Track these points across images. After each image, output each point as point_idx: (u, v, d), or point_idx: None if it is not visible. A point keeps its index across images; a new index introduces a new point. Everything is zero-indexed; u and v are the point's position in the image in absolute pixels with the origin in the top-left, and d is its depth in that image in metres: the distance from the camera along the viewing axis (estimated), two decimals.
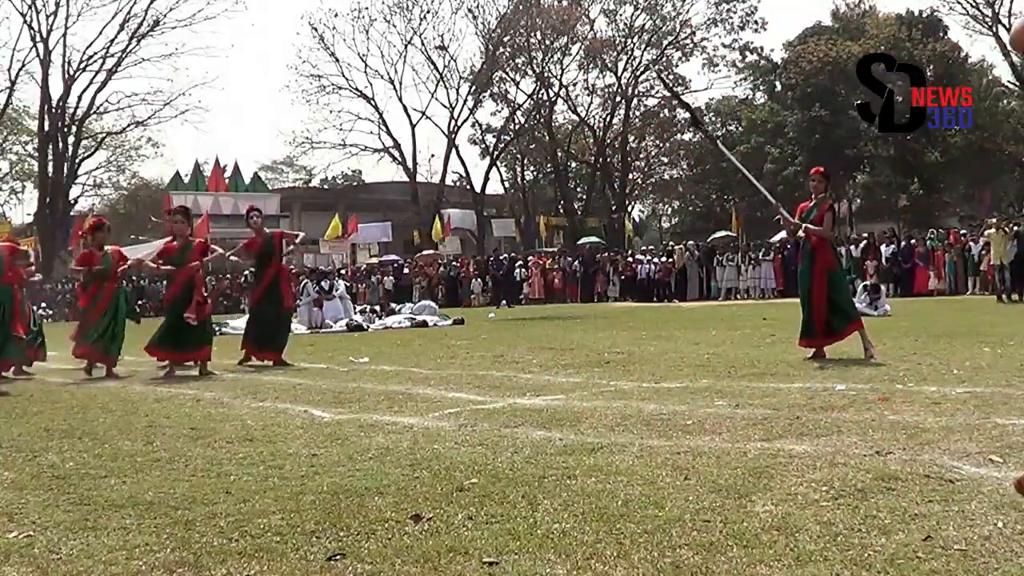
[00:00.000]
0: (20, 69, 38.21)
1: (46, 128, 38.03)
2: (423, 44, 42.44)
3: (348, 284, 23.11)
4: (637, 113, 43.71)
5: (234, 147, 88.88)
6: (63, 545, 3.05)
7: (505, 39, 41.02)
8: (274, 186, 45.81)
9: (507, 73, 42.14)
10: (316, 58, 53.70)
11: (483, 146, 45.29)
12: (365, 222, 35.48)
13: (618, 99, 42.27)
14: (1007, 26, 34.60)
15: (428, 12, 44.71)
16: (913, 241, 24.32)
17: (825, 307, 7.86)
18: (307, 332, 17.22)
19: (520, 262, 31.67)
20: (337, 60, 42.23)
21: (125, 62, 38.58)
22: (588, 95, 43.33)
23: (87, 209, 39.72)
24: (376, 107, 42.81)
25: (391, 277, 31.25)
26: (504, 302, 27.50)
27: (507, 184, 47.37)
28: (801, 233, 8.07)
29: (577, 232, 40.27)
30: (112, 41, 38.28)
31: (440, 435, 4.87)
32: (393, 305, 21.40)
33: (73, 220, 36.82)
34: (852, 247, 24.09)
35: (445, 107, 43.42)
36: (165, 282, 10.98)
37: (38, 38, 37.49)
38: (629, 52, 42.03)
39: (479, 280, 31.28)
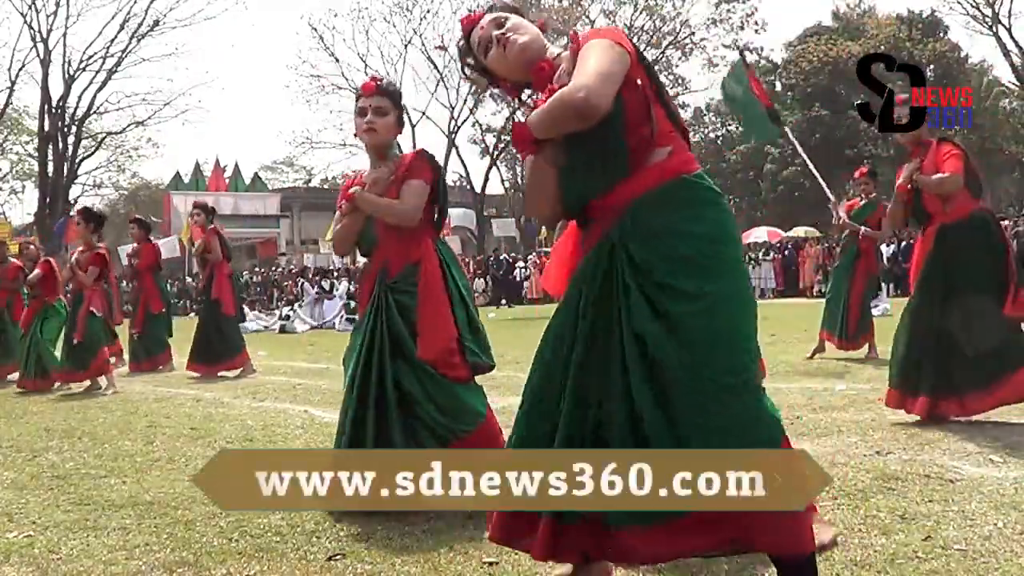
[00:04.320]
0: (20, 69, 38.18)
1: (46, 128, 37.98)
2: (423, 44, 42.40)
3: (349, 287, 23.01)
4: None
5: (234, 147, 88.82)
6: (63, 545, 3.05)
7: None
8: (274, 186, 45.75)
9: None
10: (316, 58, 53.75)
11: (483, 146, 45.27)
12: None
13: None
14: (1007, 26, 34.62)
15: (428, 12, 44.79)
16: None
17: (860, 308, 7.89)
18: (307, 330, 17.25)
19: (520, 262, 31.68)
20: (337, 60, 42.23)
21: (125, 62, 38.54)
22: None
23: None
24: None
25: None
26: (504, 302, 27.48)
27: (507, 184, 47.33)
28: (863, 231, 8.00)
29: None
30: (112, 41, 38.21)
31: None
32: None
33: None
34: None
35: (445, 107, 43.42)
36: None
37: (38, 38, 37.42)
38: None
39: (479, 280, 31.27)
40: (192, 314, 25.13)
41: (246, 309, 16.03)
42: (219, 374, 8.64)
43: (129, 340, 9.73)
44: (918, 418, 4.71)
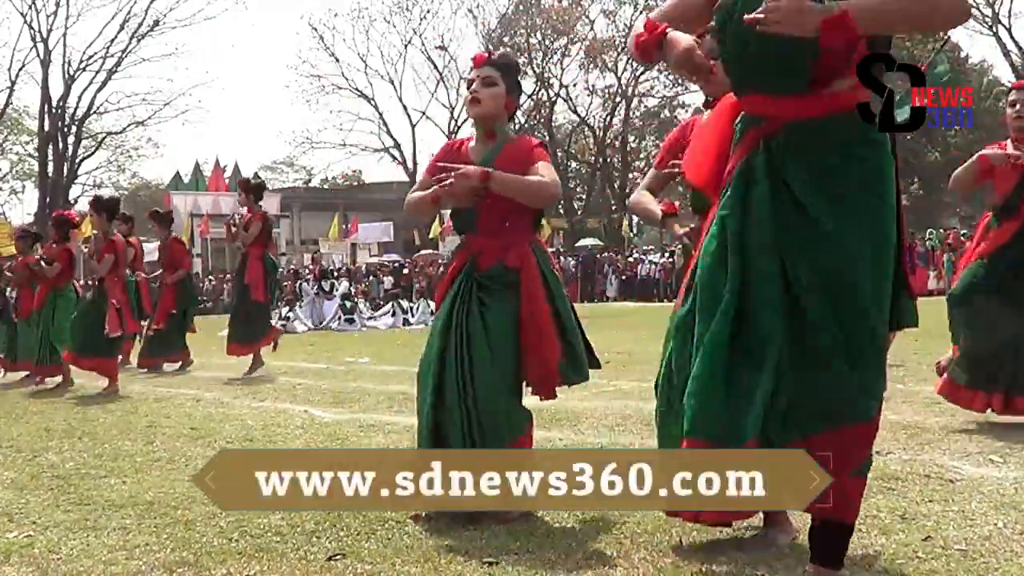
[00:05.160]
0: (20, 69, 38.24)
1: (46, 128, 38.02)
2: (423, 44, 42.52)
3: (348, 286, 22.96)
4: (637, 113, 43.69)
5: (234, 147, 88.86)
6: (63, 545, 3.05)
7: (505, 39, 41.04)
8: (274, 186, 45.74)
9: None
10: (316, 58, 53.87)
11: None
12: (365, 222, 35.49)
13: (618, 99, 42.25)
14: (1007, 26, 34.64)
15: (428, 12, 44.87)
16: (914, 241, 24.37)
17: None
18: (307, 331, 17.27)
19: None
20: (337, 60, 42.33)
21: (125, 62, 38.61)
22: (588, 95, 43.38)
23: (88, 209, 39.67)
24: (376, 107, 42.89)
25: (391, 277, 31.24)
26: None
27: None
28: None
29: (577, 232, 40.25)
30: (112, 41, 38.32)
31: None
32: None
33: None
34: None
35: (445, 107, 43.53)
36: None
37: (38, 38, 37.50)
38: (629, 52, 42.04)
39: None
40: None
41: None
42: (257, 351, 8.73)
43: (144, 336, 9.66)
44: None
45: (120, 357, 8.52)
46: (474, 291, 3.27)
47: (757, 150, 2.16)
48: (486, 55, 3.40)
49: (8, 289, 10.06)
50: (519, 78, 3.46)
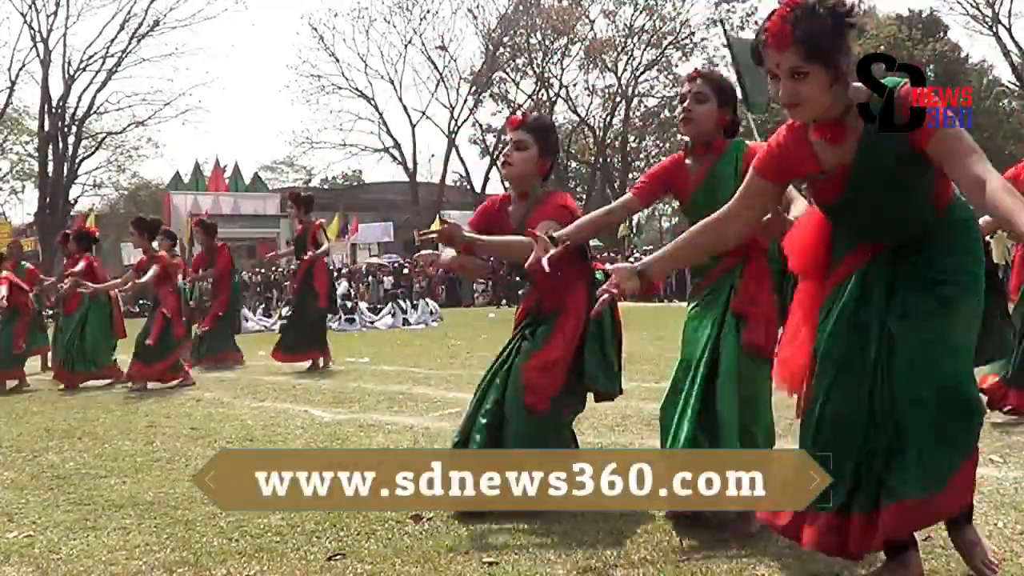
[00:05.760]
0: (20, 69, 38.21)
1: (46, 128, 37.99)
2: (423, 44, 42.53)
3: (349, 286, 22.94)
4: (637, 113, 43.69)
5: (234, 147, 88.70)
6: (63, 545, 3.05)
7: (505, 39, 41.06)
8: (274, 186, 45.69)
9: (507, 73, 42.18)
10: (316, 58, 53.93)
11: (483, 146, 45.29)
12: (365, 222, 35.49)
13: (618, 99, 42.25)
14: (1007, 26, 34.64)
15: (428, 12, 44.88)
16: None
17: None
18: None
19: None
20: (337, 60, 42.37)
21: (125, 62, 38.57)
22: (588, 95, 43.38)
23: (87, 209, 39.73)
24: (376, 107, 42.92)
25: (391, 277, 31.28)
26: (504, 302, 27.48)
27: (507, 185, 47.40)
28: None
29: None
30: (112, 41, 38.27)
31: (440, 435, 4.87)
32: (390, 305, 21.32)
33: (73, 220, 36.73)
34: None
35: (445, 107, 43.59)
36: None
37: (38, 38, 37.44)
38: (629, 52, 42.06)
39: (479, 280, 31.21)
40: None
41: (247, 312, 15.97)
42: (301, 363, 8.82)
43: (193, 336, 9.58)
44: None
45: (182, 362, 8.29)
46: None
47: (872, 260, 2.38)
48: (520, 119, 3.49)
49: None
50: (553, 138, 3.53)
